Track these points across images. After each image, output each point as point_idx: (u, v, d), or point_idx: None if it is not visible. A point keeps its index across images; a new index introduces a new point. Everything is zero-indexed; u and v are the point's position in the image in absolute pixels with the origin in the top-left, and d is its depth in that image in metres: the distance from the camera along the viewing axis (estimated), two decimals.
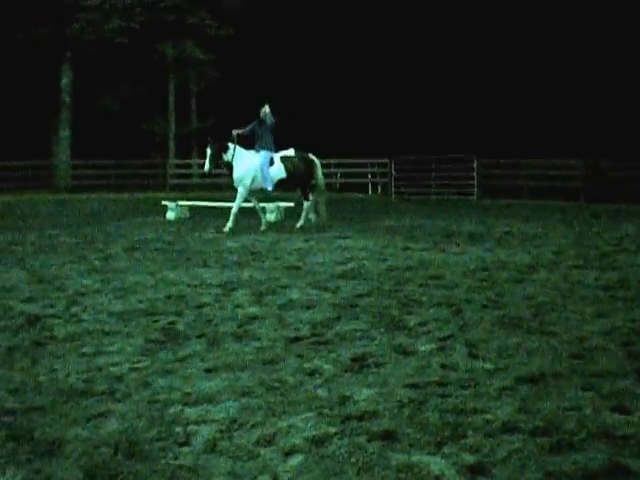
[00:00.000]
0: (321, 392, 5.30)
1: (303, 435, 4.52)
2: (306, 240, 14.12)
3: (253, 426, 4.69)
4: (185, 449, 4.38)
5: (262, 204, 17.22)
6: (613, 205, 22.92)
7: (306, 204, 16.81)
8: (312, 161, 16.98)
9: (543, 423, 4.66)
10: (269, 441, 4.46)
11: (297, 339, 6.78)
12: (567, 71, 31.02)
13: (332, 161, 31.70)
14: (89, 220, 19.13)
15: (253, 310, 8.04)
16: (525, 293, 8.82)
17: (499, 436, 4.48)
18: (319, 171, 17.07)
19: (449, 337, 6.76)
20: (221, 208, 18.56)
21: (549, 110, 31.10)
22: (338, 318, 7.59)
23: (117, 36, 32.54)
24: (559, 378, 5.54)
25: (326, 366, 5.91)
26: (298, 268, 10.87)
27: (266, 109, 16.61)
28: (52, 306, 8.38)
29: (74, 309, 8.21)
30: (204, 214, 18.79)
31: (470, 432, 4.53)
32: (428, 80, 33.29)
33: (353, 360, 6.06)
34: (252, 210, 17.05)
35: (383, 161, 30.76)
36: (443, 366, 5.88)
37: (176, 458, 4.26)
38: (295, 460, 4.22)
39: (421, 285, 9.39)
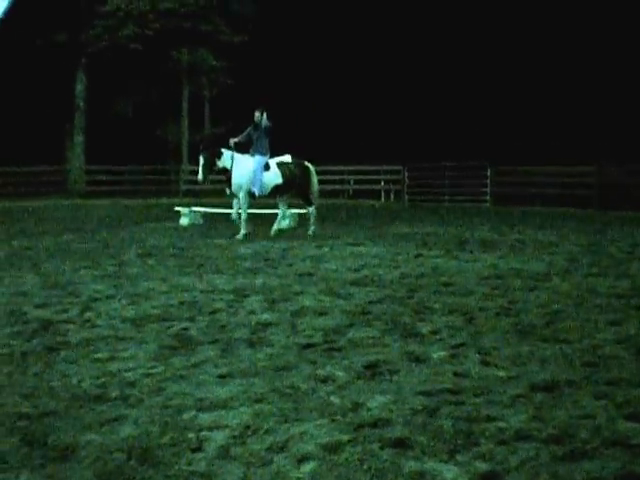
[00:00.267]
0: (334, 399, 5.30)
1: (316, 442, 4.52)
2: (319, 247, 14.13)
3: (266, 432, 4.69)
4: (198, 455, 4.39)
5: (274, 210, 17.19)
6: (626, 213, 22.84)
7: (311, 209, 16.81)
8: (307, 167, 16.92)
9: (556, 431, 4.64)
10: (282, 447, 4.46)
11: (310, 346, 6.78)
12: (580, 80, 30.93)
13: (345, 168, 31.75)
14: (103, 226, 19.20)
15: (266, 316, 8.04)
16: (538, 301, 8.79)
17: (512, 444, 4.47)
18: (314, 178, 17.02)
19: (462, 344, 6.75)
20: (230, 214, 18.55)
21: (562, 118, 31.03)
22: (351, 325, 7.59)
23: (132, 42, 32.66)
24: (573, 386, 5.52)
25: (339, 373, 5.91)
26: (311, 275, 10.86)
27: (260, 113, 16.45)
28: (66, 311, 8.41)
29: (88, 314, 8.24)
30: (217, 220, 18.83)
31: (483, 440, 4.52)
32: (442, 88, 33.27)
33: (366, 367, 6.05)
34: (264, 216, 17.07)
35: (396, 168, 30.76)
36: (456, 374, 5.87)
37: (189, 464, 4.26)
38: (308, 467, 4.21)
39: (434, 292, 9.38)
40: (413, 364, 6.15)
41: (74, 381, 5.80)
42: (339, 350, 6.62)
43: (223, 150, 16.23)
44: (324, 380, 5.74)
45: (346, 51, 34.62)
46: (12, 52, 32.60)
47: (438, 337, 7.06)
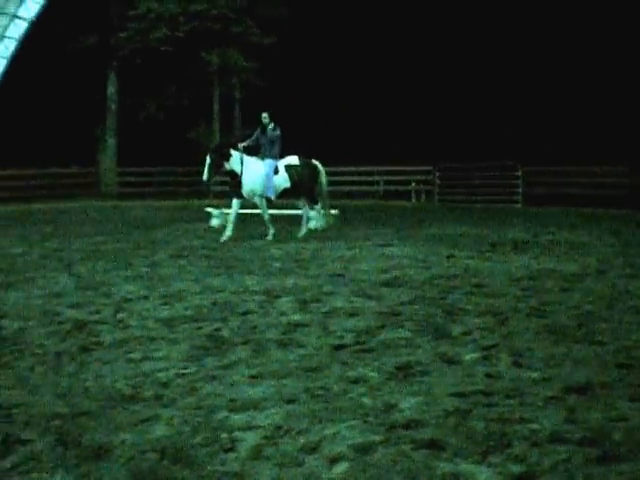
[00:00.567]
0: (366, 400, 5.30)
1: (348, 443, 4.53)
2: (350, 248, 14.12)
3: (298, 433, 4.70)
4: (231, 455, 4.41)
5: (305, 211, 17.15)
6: None
7: (317, 207, 16.79)
8: (316, 167, 16.76)
9: (590, 433, 4.62)
10: (314, 448, 4.47)
11: (341, 347, 6.78)
12: (612, 79, 30.69)
13: (375, 169, 31.71)
14: (135, 227, 19.31)
15: (297, 317, 8.06)
16: (571, 302, 8.73)
17: (545, 446, 4.45)
18: (323, 178, 16.85)
19: (494, 346, 6.72)
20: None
21: (594, 118, 30.79)
22: (382, 326, 7.58)
23: (163, 45, 32.82)
24: (606, 388, 5.49)
25: (371, 374, 5.91)
26: (342, 276, 10.86)
27: (267, 115, 16.33)
28: (99, 312, 8.48)
29: (121, 315, 8.30)
30: (248, 221, 18.86)
31: (516, 442, 4.51)
32: (473, 88, 33.13)
33: (398, 368, 6.05)
34: (293, 217, 17.09)
35: (427, 169, 30.68)
36: (488, 375, 5.85)
37: (222, 464, 4.29)
38: (340, 468, 4.22)
39: (466, 293, 9.35)
40: (445, 365, 6.14)
41: (108, 381, 5.85)
42: (371, 351, 6.62)
43: (232, 152, 16.07)
44: (356, 381, 5.75)
45: (376, 52, 34.56)
46: (45, 55, 32.89)
47: (470, 338, 7.04)
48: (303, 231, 16.55)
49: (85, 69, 34.32)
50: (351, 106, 35.18)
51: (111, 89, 35.70)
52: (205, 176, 16.08)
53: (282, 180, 16.24)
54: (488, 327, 7.49)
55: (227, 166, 16.02)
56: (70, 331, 7.54)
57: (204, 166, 16.00)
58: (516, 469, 4.15)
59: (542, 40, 31.65)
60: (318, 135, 33.51)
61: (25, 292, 9.73)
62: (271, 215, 16.47)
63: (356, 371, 6.00)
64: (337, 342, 6.94)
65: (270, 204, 16.53)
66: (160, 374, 6.01)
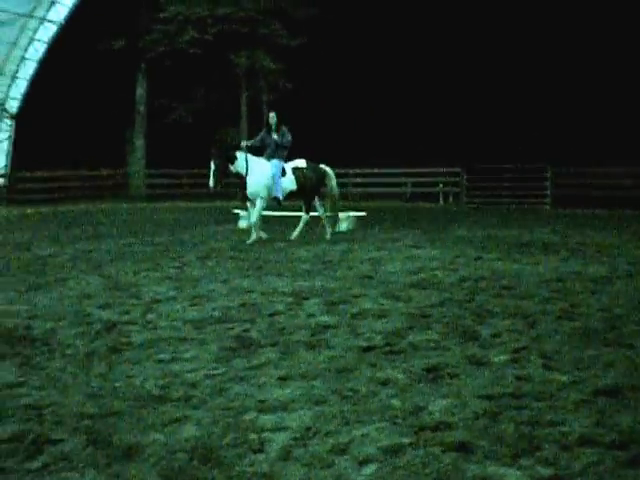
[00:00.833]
0: (395, 402, 5.30)
1: (377, 445, 4.53)
2: (378, 249, 14.11)
3: (327, 434, 4.71)
4: (260, 456, 4.42)
5: (332, 213, 17.09)
6: None
7: (304, 217, 16.31)
8: (324, 172, 16.47)
9: (620, 436, 4.59)
10: (343, 450, 4.48)
11: (370, 348, 6.78)
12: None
13: (403, 171, 31.66)
14: (163, 228, 19.41)
15: (325, 319, 8.07)
16: (600, 304, 8.68)
17: (575, 449, 4.43)
18: (333, 182, 16.58)
19: (523, 348, 6.70)
20: (292, 217, 18.63)
21: (623, 118, 30.56)
22: (411, 328, 7.57)
23: (191, 47, 32.97)
24: (636, 391, 5.45)
25: (399, 376, 5.90)
26: (370, 277, 10.86)
27: (274, 117, 16.12)
28: (128, 313, 8.53)
29: (150, 316, 8.35)
30: (275, 223, 18.91)
31: (546, 445, 4.49)
32: (502, 89, 32.99)
33: (426, 370, 6.04)
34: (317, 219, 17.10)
35: (454, 170, 30.58)
36: (518, 377, 5.83)
37: (251, 465, 4.30)
38: (369, 469, 4.23)
39: (494, 295, 9.31)
40: (474, 368, 6.12)
41: (137, 382, 5.89)
42: (399, 353, 6.61)
43: (237, 154, 15.64)
44: (384, 383, 5.75)
45: (405, 53, 34.51)
46: (74, 58, 33.16)
47: (499, 341, 7.01)
48: (329, 233, 16.39)
49: (114, 72, 34.57)
50: (379, 108, 35.14)
51: (140, 91, 35.97)
52: (211, 183, 15.48)
53: (289, 182, 15.95)
54: (517, 329, 7.46)
55: (232, 169, 15.60)
56: (100, 332, 7.60)
57: (209, 171, 15.50)
58: (546, 472, 4.14)
59: (574, 42, 31.46)
60: (346, 137, 33.52)
61: (56, 293, 9.82)
62: (262, 218, 16.25)
63: (385, 373, 6.00)
64: (365, 344, 6.94)
65: (279, 205, 16.46)
66: (189, 375, 6.04)
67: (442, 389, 5.59)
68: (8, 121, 32.49)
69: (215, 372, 6.10)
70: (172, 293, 9.73)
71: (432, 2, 33.77)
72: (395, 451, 4.43)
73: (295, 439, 4.65)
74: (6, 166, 32.47)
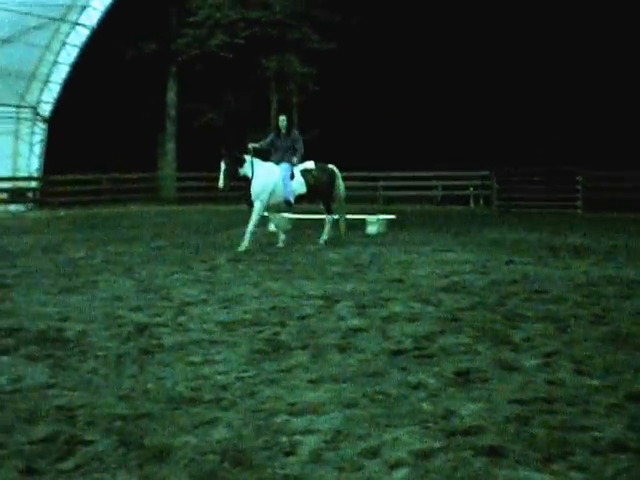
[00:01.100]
0: (425, 406, 5.29)
1: (408, 448, 4.52)
2: (408, 253, 14.08)
3: (358, 438, 4.71)
4: (291, 459, 4.43)
5: (362, 216, 17.02)
6: None
7: (328, 218, 16.24)
8: (332, 172, 16.31)
9: None
10: (374, 453, 4.48)
11: (400, 352, 6.77)
12: None
13: (433, 174, 31.58)
14: (194, 231, 19.49)
15: (356, 322, 8.06)
16: (633, 308, 8.61)
17: (608, 454, 4.40)
18: (340, 182, 16.43)
19: (555, 353, 6.66)
20: (323, 220, 18.59)
21: None
22: (441, 332, 7.56)
23: (221, 51, 33.10)
24: None
25: (430, 380, 5.89)
26: (401, 281, 10.84)
27: (284, 120, 15.99)
28: (159, 315, 8.58)
29: (181, 318, 8.39)
30: (306, 226, 18.91)
31: (578, 449, 4.46)
32: (532, 93, 32.83)
33: (457, 374, 6.02)
34: (356, 222, 17.07)
35: (485, 174, 30.45)
36: (549, 382, 5.80)
37: (282, 467, 4.31)
38: (400, 473, 4.22)
39: (525, 300, 9.27)
40: (505, 372, 6.10)
41: (169, 384, 5.92)
42: (430, 357, 6.60)
43: (246, 157, 15.48)
44: (415, 387, 5.74)
45: (432, 58, 34.43)
46: (106, 62, 33.43)
47: (530, 345, 6.98)
48: (326, 235, 16.13)
49: (145, 75, 34.79)
50: (410, 111, 35.07)
51: (171, 95, 36.16)
52: (221, 183, 15.34)
53: (298, 185, 15.77)
54: (548, 334, 7.42)
55: (241, 172, 15.48)
56: (131, 334, 7.65)
57: (219, 172, 15.36)
58: (578, 477, 4.11)
59: (606, 45, 31.26)
60: (377, 140, 33.50)
61: (88, 295, 9.89)
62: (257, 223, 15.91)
63: (415, 377, 5.99)
64: (396, 347, 6.94)
65: (290, 208, 16.42)
66: (220, 377, 6.07)
67: (473, 393, 5.57)
68: (41, 125, 32.77)
69: (246, 374, 6.12)
70: (203, 296, 9.77)
71: (461, 9, 33.69)
72: (426, 455, 4.42)
73: (326, 442, 4.65)
74: (38, 169, 32.75)
